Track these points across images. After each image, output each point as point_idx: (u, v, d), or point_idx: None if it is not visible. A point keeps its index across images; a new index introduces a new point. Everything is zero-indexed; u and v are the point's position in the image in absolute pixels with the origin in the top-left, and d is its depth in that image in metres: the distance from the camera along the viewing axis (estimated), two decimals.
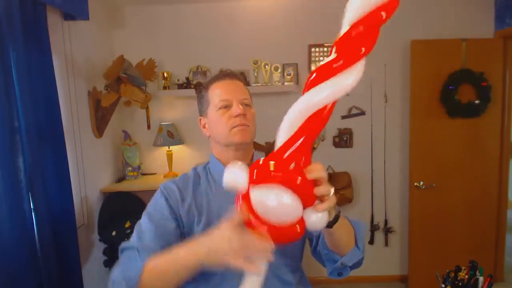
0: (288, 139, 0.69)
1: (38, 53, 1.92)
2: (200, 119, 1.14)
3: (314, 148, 3.18)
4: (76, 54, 2.47)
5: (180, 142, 3.13)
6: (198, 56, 3.13)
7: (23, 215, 1.74)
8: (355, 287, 3.28)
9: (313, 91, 0.69)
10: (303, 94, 0.71)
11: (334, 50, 0.70)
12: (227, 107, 1.05)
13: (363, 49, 0.69)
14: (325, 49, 3.12)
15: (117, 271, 0.94)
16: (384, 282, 3.33)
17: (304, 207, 0.69)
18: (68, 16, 2.33)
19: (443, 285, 1.41)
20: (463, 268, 1.42)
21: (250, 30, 3.12)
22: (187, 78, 3.08)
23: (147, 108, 3.07)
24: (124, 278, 0.90)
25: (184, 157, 3.22)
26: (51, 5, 2.06)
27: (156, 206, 1.06)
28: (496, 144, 3.00)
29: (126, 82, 2.65)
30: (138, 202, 2.76)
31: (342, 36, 0.68)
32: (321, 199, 0.72)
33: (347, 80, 0.68)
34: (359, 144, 3.21)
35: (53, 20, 2.20)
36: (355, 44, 0.68)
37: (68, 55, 2.37)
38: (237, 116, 1.03)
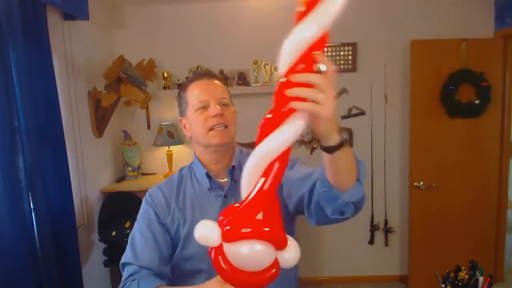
0: (252, 190, 0.69)
1: (38, 53, 1.92)
2: (181, 120, 1.15)
3: (314, 148, 3.18)
4: (76, 54, 2.47)
5: (180, 142, 3.13)
6: (198, 56, 3.13)
7: (23, 215, 1.74)
8: (355, 287, 3.28)
9: (270, 137, 0.68)
10: (257, 143, 0.70)
11: (278, 94, 0.68)
12: (204, 107, 1.05)
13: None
14: (325, 49, 3.11)
15: None
16: (384, 282, 3.33)
17: (278, 250, 0.71)
18: (68, 16, 2.33)
19: (443, 285, 1.41)
20: (463, 268, 1.42)
21: (250, 30, 3.12)
22: (187, 78, 3.08)
23: (147, 108, 3.07)
24: None
25: (184, 157, 3.22)
26: (51, 5, 2.06)
27: (144, 217, 1.10)
28: (496, 144, 3.00)
29: (126, 82, 2.65)
30: (138, 202, 2.74)
31: (283, 83, 0.66)
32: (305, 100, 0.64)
33: (299, 122, 0.67)
34: (359, 144, 3.21)
35: (53, 20, 2.20)
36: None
37: (68, 55, 2.37)
38: (214, 116, 1.03)
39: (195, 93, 1.07)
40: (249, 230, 0.67)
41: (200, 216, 1.05)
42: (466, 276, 1.38)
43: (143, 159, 3.21)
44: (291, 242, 0.72)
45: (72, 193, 2.15)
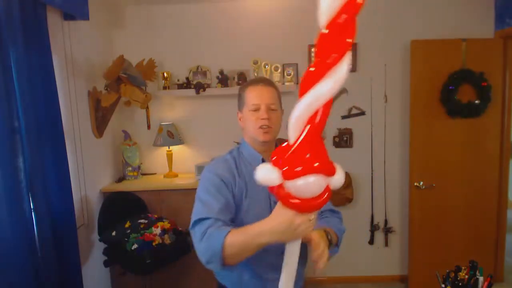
0: (300, 134, 0.82)
1: (38, 53, 1.92)
2: (238, 113, 1.38)
3: None
4: (76, 54, 2.47)
5: (180, 142, 3.13)
6: (198, 56, 3.13)
7: (23, 215, 1.74)
8: (355, 287, 3.28)
9: (317, 86, 0.78)
10: (303, 93, 0.80)
11: (321, 46, 0.76)
12: (256, 110, 1.30)
13: (348, 40, 0.75)
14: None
15: (203, 248, 1.11)
16: (384, 282, 3.33)
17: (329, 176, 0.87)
18: (68, 16, 2.33)
19: (443, 285, 1.41)
20: (463, 268, 1.42)
21: (250, 30, 3.12)
22: (187, 78, 3.08)
23: (147, 108, 3.07)
24: (211, 254, 1.08)
25: (184, 157, 3.22)
26: (51, 5, 2.06)
27: (211, 183, 1.26)
28: (496, 144, 3.00)
29: (126, 82, 2.65)
30: (138, 202, 2.76)
31: (325, 34, 0.75)
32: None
33: (342, 70, 0.77)
34: (359, 144, 3.22)
35: (53, 20, 2.20)
36: (340, 37, 0.74)
37: (68, 55, 2.37)
38: (263, 119, 1.28)
39: (250, 96, 1.31)
40: (302, 168, 0.81)
41: (256, 193, 1.26)
42: (466, 276, 1.38)
43: (143, 159, 3.21)
44: (337, 167, 0.89)
45: (72, 193, 2.15)
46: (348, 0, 0.71)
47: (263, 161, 1.32)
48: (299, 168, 0.81)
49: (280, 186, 0.87)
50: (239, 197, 1.27)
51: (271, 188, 0.89)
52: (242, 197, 1.28)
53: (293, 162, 0.82)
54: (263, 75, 3.08)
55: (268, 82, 1.35)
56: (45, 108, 1.96)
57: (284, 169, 0.83)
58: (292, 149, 0.83)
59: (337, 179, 0.89)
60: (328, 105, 0.81)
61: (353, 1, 0.71)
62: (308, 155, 0.82)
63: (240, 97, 1.37)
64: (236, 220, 1.25)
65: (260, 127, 1.29)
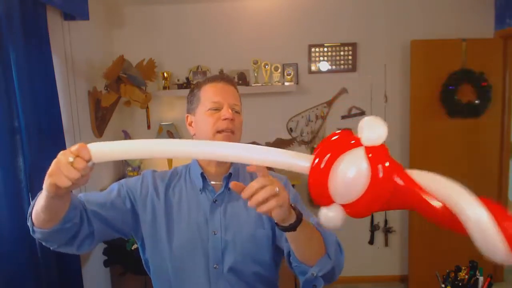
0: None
1: (38, 53, 1.92)
2: (187, 117, 1.16)
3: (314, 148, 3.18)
4: (76, 54, 2.47)
5: None
6: (198, 56, 3.13)
7: (23, 215, 1.73)
8: (355, 287, 3.28)
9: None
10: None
11: None
12: (216, 109, 1.06)
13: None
14: (325, 49, 3.12)
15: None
16: (384, 282, 3.33)
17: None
18: (68, 16, 2.33)
19: (443, 285, 1.41)
20: (463, 268, 1.42)
21: (250, 30, 3.12)
22: (187, 78, 3.08)
23: (147, 108, 3.07)
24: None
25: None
26: (51, 5, 2.06)
27: (127, 183, 1.13)
28: (496, 144, 3.00)
29: (126, 82, 2.65)
30: None
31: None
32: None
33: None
34: None
35: (53, 20, 2.20)
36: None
37: (68, 55, 2.37)
38: (225, 119, 1.04)
39: (210, 93, 1.09)
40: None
41: (184, 215, 1.08)
42: (466, 276, 1.39)
43: (143, 159, 3.21)
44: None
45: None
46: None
47: (202, 177, 1.10)
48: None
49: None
50: (148, 217, 1.08)
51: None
52: (155, 218, 1.08)
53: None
54: (263, 75, 3.08)
55: (229, 81, 1.13)
56: (45, 108, 1.96)
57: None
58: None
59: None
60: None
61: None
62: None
63: (192, 97, 1.13)
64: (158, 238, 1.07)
65: (220, 131, 1.04)
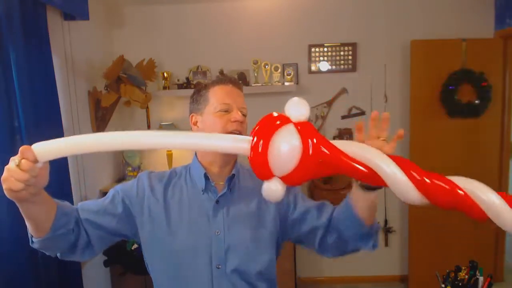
0: None
1: (38, 53, 1.92)
2: (192, 116, 1.15)
3: None
4: (76, 54, 2.47)
5: None
6: (198, 56, 3.12)
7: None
8: (355, 287, 3.28)
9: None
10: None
11: None
12: (226, 111, 1.07)
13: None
14: (325, 49, 3.12)
15: None
16: (384, 282, 3.33)
17: None
18: (68, 16, 2.33)
19: (443, 285, 1.41)
20: (463, 268, 1.42)
21: (250, 30, 3.12)
22: (187, 78, 3.08)
23: (147, 108, 3.07)
24: None
25: (184, 157, 3.22)
26: (51, 5, 2.06)
27: (123, 189, 1.11)
28: (496, 144, 3.00)
29: (126, 82, 2.65)
30: None
31: None
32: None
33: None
34: None
35: (53, 20, 2.20)
36: None
37: (68, 55, 2.37)
38: (235, 121, 1.06)
39: (220, 95, 1.09)
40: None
41: (185, 215, 1.08)
42: (466, 276, 1.39)
43: (143, 159, 3.21)
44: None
45: (72, 193, 2.15)
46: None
47: (206, 177, 1.09)
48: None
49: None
50: (145, 222, 1.09)
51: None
52: (154, 222, 1.08)
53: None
54: (263, 75, 3.08)
55: (237, 84, 1.14)
56: (45, 108, 1.96)
57: None
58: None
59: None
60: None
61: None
62: None
63: (200, 97, 1.13)
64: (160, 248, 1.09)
65: (229, 133, 1.03)
